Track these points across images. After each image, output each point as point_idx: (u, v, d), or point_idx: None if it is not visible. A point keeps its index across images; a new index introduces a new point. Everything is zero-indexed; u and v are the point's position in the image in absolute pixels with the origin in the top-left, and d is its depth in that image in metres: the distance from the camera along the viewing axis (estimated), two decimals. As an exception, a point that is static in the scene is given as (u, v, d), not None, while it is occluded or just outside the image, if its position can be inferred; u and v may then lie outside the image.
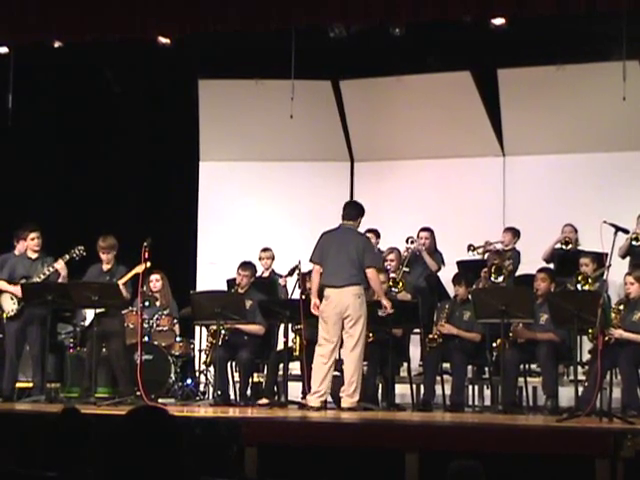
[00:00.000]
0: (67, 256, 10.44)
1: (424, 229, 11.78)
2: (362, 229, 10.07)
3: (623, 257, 10.64)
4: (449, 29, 11.11)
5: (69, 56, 11.81)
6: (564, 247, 11.28)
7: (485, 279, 10.72)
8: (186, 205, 13.37)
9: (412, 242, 11.62)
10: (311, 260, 9.63)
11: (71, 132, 13.40)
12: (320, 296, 9.43)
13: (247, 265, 10.92)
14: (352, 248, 9.39)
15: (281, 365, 10.25)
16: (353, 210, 9.68)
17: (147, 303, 11.11)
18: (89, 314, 10.40)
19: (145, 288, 10.96)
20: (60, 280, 10.42)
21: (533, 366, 10.18)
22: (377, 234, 11.80)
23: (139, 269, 10.02)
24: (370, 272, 9.41)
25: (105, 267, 10.45)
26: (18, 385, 10.58)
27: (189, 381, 11.34)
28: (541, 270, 10.18)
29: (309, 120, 12.79)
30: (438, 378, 10.11)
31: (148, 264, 10.21)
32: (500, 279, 10.61)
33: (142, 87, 13.31)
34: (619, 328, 9.13)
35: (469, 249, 11.59)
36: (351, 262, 9.33)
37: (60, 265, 10.41)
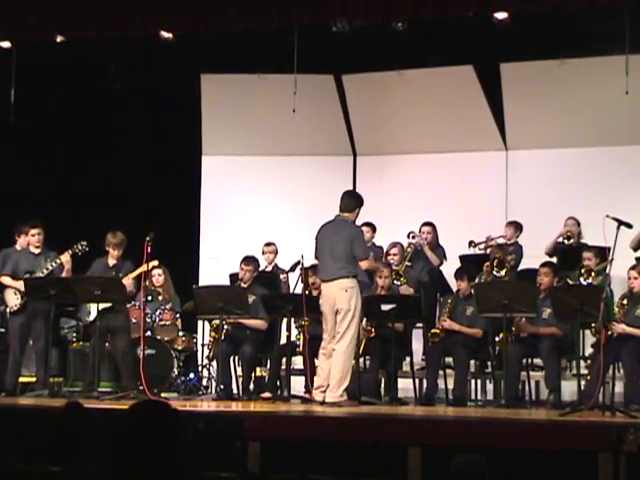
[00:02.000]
0: (70, 251, 10.45)
1: (426, 224, 11.75)
2: (360, 222, 10.04)
3: (635, 249, 10.60)
4: (452, 23, 11.09)
5: (70, 53, 11.80)
6: (566, 242, 11.27)
7: (487, 273, 10.72)
8: (188, 199, 13.37)
9: (413, 237, 11.60)
10: (315, 257, 9.66)
11: (73, 128, 13.40)
12: None
13: (250, 260, 10.92)
14: (342, 240, 9.27)
15: (284, 359, 10.25)
16: (351, 201, 9.50)
17: (150, 298, 11.12)
18: (93, 309, 10.39)
19: (147, 283, 10.97)
20: (64, 273, 10.43)
21: (536, 360, 10.17)
22: (373, 228, 11.76)
23: (146, 267, 10.02)
24: (360, 264, 9.34)
25: (111, 262, 10.44)
26: (21, 379, 10.59)
27: (192, 375, 11.35)
28: (544, 264, 10.18)
29: (311, 114, 12.78)
30: (441, 372, 10.12)
31: (156, 262, 10.22)
32: (502, 273, 10.60)
33: (144, 83, 13.29)
34: (622, 322, 9.13)
35: (470, 245, 11.56)
36: (340, 255, 9.21)
37: (66, 258, 10.41)
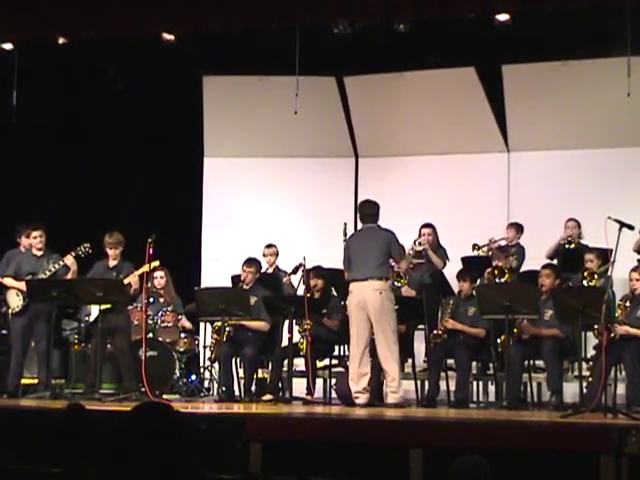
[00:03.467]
0: (73, 253, 10.45)
1: (426, 225, 11.71)
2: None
3: (639, 252, 10.59)
4: (453, 25, 11.09)
5: (72, 54, 11.80)
6: (567, 246, 11.26)
7: (489, 280, 10.68)
8: (190, 201, 13.37)
9: (420, 244, 11.59)
10: (345, 269, 9.78)
11: (74, 129, 13.39)
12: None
13: (252, 261, 10.92)
14: (376, 246, 9.48)
15: (286, 361, 10.25)
16: (374, 210, 9.75)
17: (152, 299, 11.12)
18: (94, 310, 10.40)
19: (149, 285, 10.97)
20: (70, 275, 10.43)
21: (538, 362, 10.17)
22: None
23: (147, 267, 10.01)
24: (400, 265, 9.75)
25: (111, 263, 10.44)
26: (23, 381, 10.59)
27: (193, 377, 11.35)
28: (546, 266, 10.17)
29: (313, 116, 12.77)
30: (442, 374, 10.11)
31: (157, 262, 10.23)
32: (503, 281, 10.56)
33: (146, 84, 13.29)
34: (624, 324, 9.12)
35: (474, 248, 11.55)
36: (374, 258, 9.42)
37: (70, 260, 10.42)
